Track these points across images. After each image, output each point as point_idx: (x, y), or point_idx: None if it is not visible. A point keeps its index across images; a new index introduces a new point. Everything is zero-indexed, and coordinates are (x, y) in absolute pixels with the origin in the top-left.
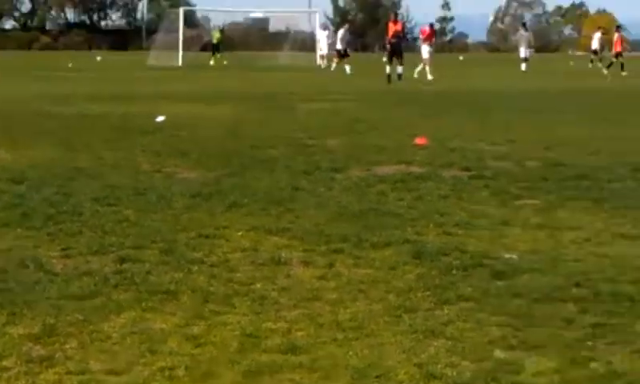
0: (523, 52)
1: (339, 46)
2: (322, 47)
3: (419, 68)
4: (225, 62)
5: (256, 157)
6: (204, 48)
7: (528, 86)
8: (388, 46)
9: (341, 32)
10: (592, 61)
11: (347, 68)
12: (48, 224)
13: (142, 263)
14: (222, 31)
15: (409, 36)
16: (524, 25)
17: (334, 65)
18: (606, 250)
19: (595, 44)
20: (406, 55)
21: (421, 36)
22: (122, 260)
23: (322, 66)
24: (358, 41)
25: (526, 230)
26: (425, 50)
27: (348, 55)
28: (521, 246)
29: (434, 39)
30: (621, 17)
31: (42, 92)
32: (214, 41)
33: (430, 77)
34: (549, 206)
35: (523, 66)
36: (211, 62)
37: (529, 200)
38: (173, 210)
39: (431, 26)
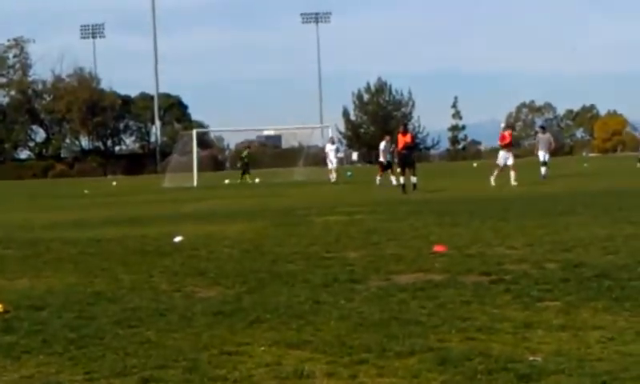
0: (542, 155)
1: (382, 159)
2: (332, 161)
3: (495, 175)
4: (257, 180)
5: (275, 272)
6: (218, 167)
7: (543, 190)
8: (399, 158)
9: (382, 144)
10: None
11: (393, 179)
12: (69, 349)
13: (166, 383)
14: (248, 148)
15: (421, 146)
16: (543, 128)
17: (378, 178)
18: (630, 348)
19: None
20: (418, 165)
21: (500, 142)
22: (146, 381)
23: (332, 180)
24: (371, 153)
25: (550, 332)
26: (503, 157)
27: (392, 167)
28: (545, 347)
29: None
30: (632, 117)
31: (59, 219)
32: (245, 160)
33: (514, 182)
34: (570, 306)
35: (543, 170)
36: (256, 180)
37: (550, 302)
38: (194, 329)
39: (510, 130)
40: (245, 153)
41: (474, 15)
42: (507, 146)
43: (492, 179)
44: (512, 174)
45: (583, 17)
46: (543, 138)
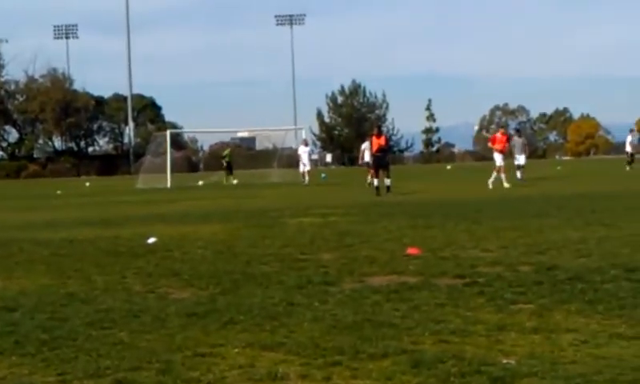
0: (519, 159)
1: (367, 159)
2: (305, 163)
3: (492, 178)
4: (234, 181)
5: (248, 274)
6: (192, 168)
7: (516, 193)
8: (373, 161)
9: (365, 145)
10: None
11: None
12: (42, 350)
13: None
14: (229, 148)
15: (395, 149)
16: (518, 131)
17: (369, 178)
18: (603, 351)
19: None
20: (392, 167)
21: (496, 145)
22: (119, 382)
23: (305, 183)
24: (345, 155)
25: (523, 335)
26: (499, 158)
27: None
28: (518, 350)
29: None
30: (604, 121)
31: (32, 219)
32: (227, 159)
33: (491, 185)
34: (544, 309)
35: (518, 174)
36: (234, 181)
37: (524, 304)
38: (167, 330)
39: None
40: (226, 152)
41: (449, 18)
42: (501, 148)
43: (504, 182)
44: (494, 174)
45: (557, 20)
46: (519, 141)
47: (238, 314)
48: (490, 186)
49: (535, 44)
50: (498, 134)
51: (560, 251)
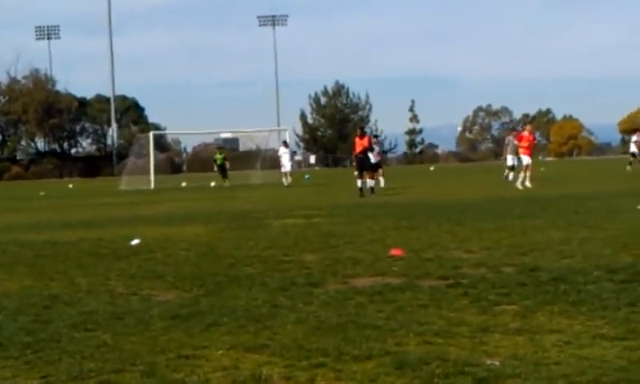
0: (511, 159)
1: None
2: (285, 164)
3: (521, 178)
4: (212, 184)
5: (232, 275)
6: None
7: (501, 194)
8: (356, 162)
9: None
10: (631, 163)
11: (382, 181)
12: (26, 353)
13: None
14: (221, 149)
15: (376, 148)
16: (513, 130)
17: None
18: (586, 352)
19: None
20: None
21: (523, 143)
22: None
23: (286, 184)
24: (329, 156)
25: (507, 336)
26: (526, 158)
27: (380, 167)
28: (502, 351)
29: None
30: (586, 122)
31: (15, 221)
32: (219, 162)
33: (528, 183)
34: (527, 310)
35: (511, 176)
36: (226, 184)
37: (507, 306)
38: (151, 332)
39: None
40: (217, 156)
41: (432, 20)
42: (528, 147)
43: (526, 183)
44: (522, 174)
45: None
46: (513, 141)
47: (221, 316)
48: (520, 187)
49: (518, 45)
50: (526, 133)
51: (543, 252)
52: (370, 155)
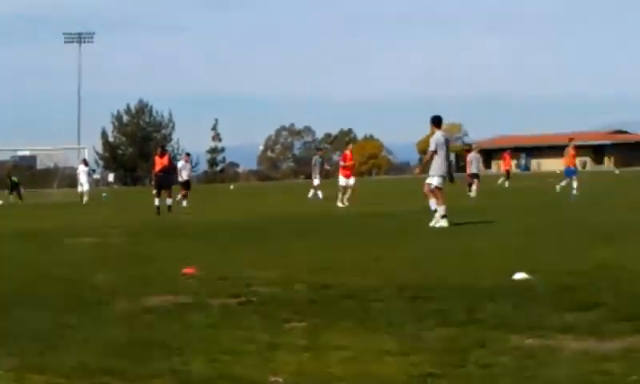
0: (317, 179)
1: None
2: (83, 183)
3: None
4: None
5: (20, 295)
6: None
7: (306, 212)
8: (155, 180)
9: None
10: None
11: (184, 201)
12: None
13: None
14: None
15: (188, 166)
16: (319, 149)
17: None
18: (370, 367)
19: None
20: (174, 187)
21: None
22: None
23: (84, 202)
24: (128, 174)
25: (293, 353)
26: (344, 180)
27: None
28: (287, 368)
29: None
30: (387, 142)
31: None
32: (12, 180)
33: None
34: (316, 327)
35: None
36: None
37: (297, 323)
38: None
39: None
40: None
41: (235, 40)
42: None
43: (344, 202)
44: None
45: (343, 43)
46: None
47: (3, 337)
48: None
49: (322, 66)
50: (348, 151)
51: (337, 270)
52: (184, 173)
